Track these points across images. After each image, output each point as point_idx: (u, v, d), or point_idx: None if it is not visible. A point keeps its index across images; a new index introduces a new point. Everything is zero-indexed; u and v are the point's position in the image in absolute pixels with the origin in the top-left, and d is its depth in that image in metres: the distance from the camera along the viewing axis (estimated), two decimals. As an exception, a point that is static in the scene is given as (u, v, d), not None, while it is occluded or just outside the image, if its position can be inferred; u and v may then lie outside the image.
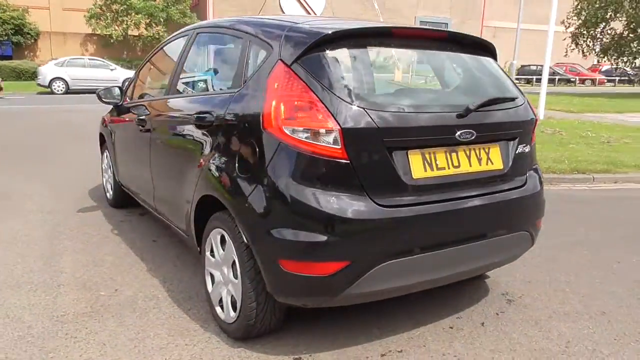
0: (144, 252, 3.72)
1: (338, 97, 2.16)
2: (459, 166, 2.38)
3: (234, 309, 2.49)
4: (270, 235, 2.19)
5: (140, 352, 2.45)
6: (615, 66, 29.06)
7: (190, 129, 2.83)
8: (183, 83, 3.28)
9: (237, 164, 2.35)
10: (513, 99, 2.64)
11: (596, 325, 2.82)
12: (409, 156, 2.25)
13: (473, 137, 2.37)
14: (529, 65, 39.53)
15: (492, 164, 2.50)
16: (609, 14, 24.07)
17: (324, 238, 2.12)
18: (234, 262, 2.44)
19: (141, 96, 3.93)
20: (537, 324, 2.83)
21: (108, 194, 4.86)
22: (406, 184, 2.23)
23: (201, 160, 2.66)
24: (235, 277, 2.43)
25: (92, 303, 2.95)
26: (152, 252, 3.72)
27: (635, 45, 25.40)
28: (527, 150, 2.68)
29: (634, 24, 23.63)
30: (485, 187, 2.48)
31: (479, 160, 2.45)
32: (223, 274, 2.58)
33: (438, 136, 2.31)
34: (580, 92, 26.98)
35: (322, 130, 2.12)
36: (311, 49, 2.26)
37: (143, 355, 2.42)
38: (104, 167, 4.94)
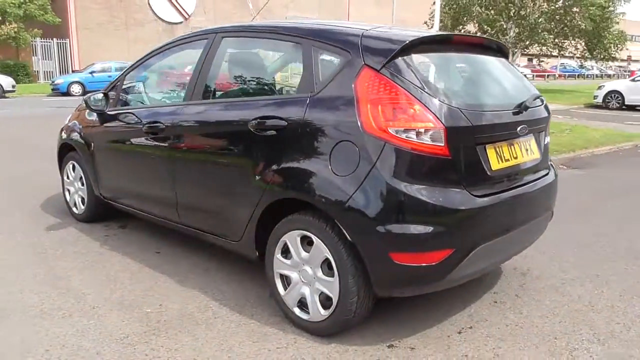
0: (157, 264, 3.55)
1: (435, 98, 2.35)
2: (517, 157, 2.71)
3: (325, 306, 2.57)
4: (380, 232, 2.31)
5: (241, 361, 2.43)
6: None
7: (245, 135, 2.80)
8: (214, 89, 3.20)
9: (331, 166, 2.43)
10: (541, 96, 3.04)
11: (598, 287, 3.34)
12: (487, 150, 2.52)
13: (527, 131, 2.71)
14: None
15: (533, 153, 2.87)
16: (464, 17, 26.47)
17: (432, 229, 2.31)
18: (325, 261, 2.51)
19: (137, 102, 3.72)
20: (557, 290, 3.28)
21: (75, 209, 4.49)
22: (489, 175, 2.50)
23: (267, 165, 2.67)
24: (330, 275, 2.51)
25: (146, 321, 2.80)
26: (168, 263, 3.57)
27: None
28: (548, 140, 3.10)
29: (485, 26, 26.33)
30: (533, 174, 2.84)
31: (526, 151, 2.80)
32: (304, 274, 2.63)
33: (506, 131, 2.61)
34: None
35: (428, 130, 2.30)
36: (397, 55, 2.42)
37: (247, 363, 2.41)
38: (68, 180, 4.54)
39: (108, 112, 3.85)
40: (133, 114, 3.66)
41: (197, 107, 3.18)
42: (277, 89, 3.11)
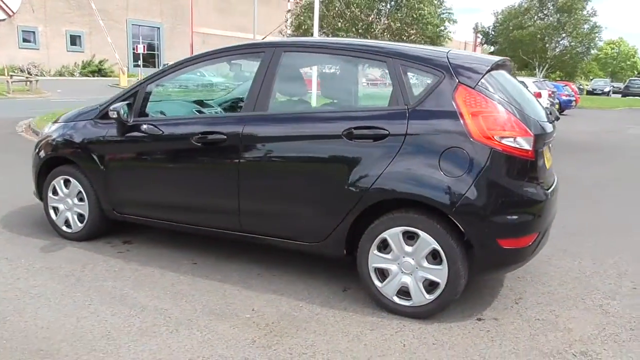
0: (205, 274, 3.56)
1: (521, 111, 2.91)
2: (549, 159, 3.39)
3: (429, 291, 2.96)
4: (490, 222, 2.80)
5: (387, 349, 2.71)
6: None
7: (337, 144, 3.06)
8: (283, 101, 3.37)
9: (441, 169, 2.84)
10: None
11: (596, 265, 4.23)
12: (544, 153, 3.15)
13: (552, 140, 3.40)
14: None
15: (549, 161, 3.59)
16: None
17: (530, 217, 2.87)
18: (432, 252, 2.91)
19: (171, 112, 3.65)
20: (550, 263, 4.07)
21: (66, 228, 4.15)
22: (546, 173, 3.13)
23: (367, 170, 2.98)
24: (436, 263, 2.91)
25: (255, 325, 2.90)
26: (215, 272, 3.60)
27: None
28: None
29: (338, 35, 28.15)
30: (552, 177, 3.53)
31: (549, 153, 3.51)
32: (405, 265, 2.98)
33: (550, 138, 3.26)
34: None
35: (523, 137, 2.84)
36: (485, 74, 2.94)
37: (388, 350, 2.70)
38: (55, 198, 4.17)
39: (134, 123, 3.71)
40: (175, 124, 3.61)
41: (269, 118, 3.32)
42: (356, 101, 3.39)
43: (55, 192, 4.19)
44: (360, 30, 26.12)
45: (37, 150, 4.30)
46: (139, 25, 43.78)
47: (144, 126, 3.69)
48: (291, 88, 3.57)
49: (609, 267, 4.02)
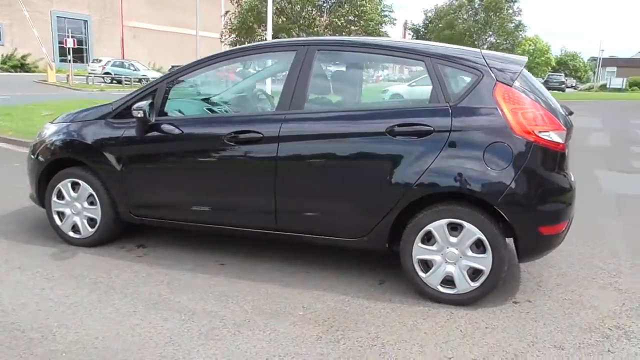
0: (238, 275, 3.54)
1: (551, 106, 3.12)
2: None
3: (473, 279, 3.11)
4: (533, 211, 3.00)
5: (447, 336, 2.84)
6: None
7: (379, 140, 3.15)
8: (321, 99, 3.39)
9: (485, 162, 2.99)
10: None
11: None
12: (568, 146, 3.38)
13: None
14: (178, 66, 41.26)
15: None
16: (260, 26, 27.80)
17: (563, 206, 3.09)
18: (477, 241, 3.06)
19: (196, 111, 3.56)
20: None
21: (73, 233, 3.97)
22: (569, 166, 3.37)
23: (413, 165, 3.09)
24: (481, 252, 3.07)
25: (314, 321, 2.94)
26: (248, 272, 3.58)
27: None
28: None
29: (281, 34, 28.16)
30: None
31: None
32: (450, 255, 3.12)
33: (571, 133, 3.49)
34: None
35: (557, 131, 3.05)
36: (519, 73, 3.12)
37: (448, 336, 2.83)
38: (61, 202, 3.96)
39: (155, 122, 3.60)
40: (203, 123, 3.55)
41: (308, 117, 3.35)
42: (394, 98, 3.47)
43: (60, 196, 3.99)
44: (302, 27, 26.27)
45: (35, 154, 4.07)
46: (65, 18, 41.52)
47: (167, 126, 3.60)
48: (327, 86, 3.60)
49: (603, 247, 4.36)
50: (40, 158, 4.02)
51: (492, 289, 3.15)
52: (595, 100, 29.84)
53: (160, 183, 3.71)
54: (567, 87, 49.12)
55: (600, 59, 61.13)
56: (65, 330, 2.77)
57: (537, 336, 2.84)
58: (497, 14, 42.83)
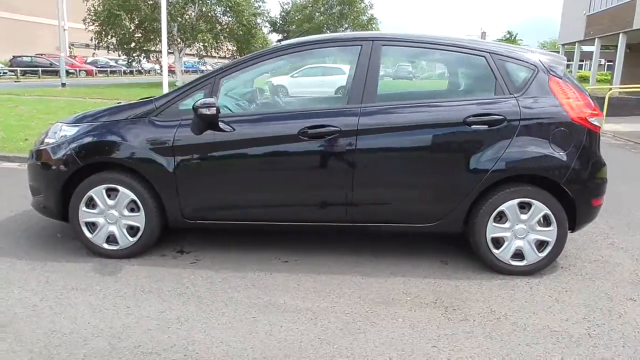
0: (316, 267, 3.54)
1: (589, 95, 3.62)
2: None
3: (540, 250, 3.51)
4: (589, 187, 3.48)
5: (541, 302, 3.19)
6: (126, 59, 31.37)
7: (456, 130, 3.38)
8: (394, 93, 3.49)
9: (551, 147, 3.39)
10: None
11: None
12: None
13: None
14: (21, 56, 36.60)
15: None
16: (123, 16, 26.04)
17: (603, 181, 3.60)
18: (544, 216, 3.46)
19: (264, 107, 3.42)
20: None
21: (108, 245, 3.59)
22: None
23: (488, 152, 3.37)
24: (547, 226, 3.47)
25: (436, 305, 3.10)
26: (326, 265, 3.59)
27: (142, 41, 28.63)
28: None
29: (146, 23, 26.60)
30: None
31: None
32: (519, 231, 3.47)
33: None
34: (95, 83, 28.08)
35: (598, 117, 3.56)
36: (564, 68, 3.58)
37: (543, 303, 3.19)
38: (93, 212, 3.54)
39: (225, 120, 3.43)
40: (270, 119, 3.45)
41: (385, 109, 3.45)
42: (461, 91, 3.67)
43: (91, 205, 3.56)
44: (173, 16, 25.11)
45: (52, 162, 3.57)
46: None
47: (231, 123, 3.43)
48: (394, 80, 3.71)
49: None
50: (63, 166, 3.54)
51: (556, 257, 3.58)
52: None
53: (225, 183, 3.52)
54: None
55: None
56: (203, 346, 2.57)
57: (610, 294, 3.31)
58: (351, 7, 44.95)
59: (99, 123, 3.58)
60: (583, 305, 3.15)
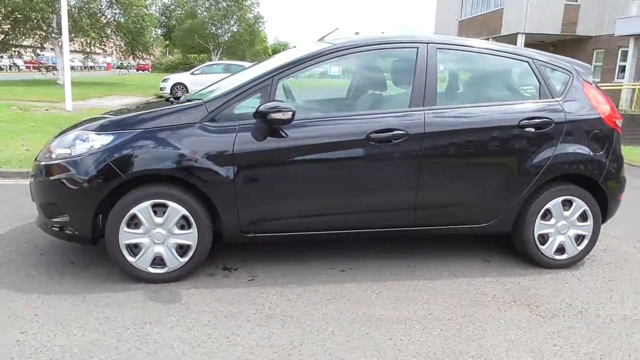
0: (376, 274, 3.46)
1: (610, 100, 3.96)
2: None
3: (578, 244, 3.77)
4: (619, 183, 3.80)
5: (598, 290, 3.42)
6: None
7: (512, 133, 3.50)
8: (453, 95, 3.51)
9: (589, 148, 3.65)
10: None
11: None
12: None
13: None
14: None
15: None
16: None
17: (625, 177, 3.96)
18: (582, 213, 3.72)
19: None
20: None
21: (152, 269, 3.19)
22: None
23: (539, 154, 3.54)
24: (584, 221, 3.73)
25: (506, 302, 3.17)
26: (384, 272, 3.52)
27: (11, 34, 25.72)
28: None
29: (16, 13, 23.88)
30: None
31: None
32: (562, 228, 3.70)
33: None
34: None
35: (619, 120, 3.90)
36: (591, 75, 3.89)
37: (599, 292, 3.43)
38: (136, 232, 3.11)
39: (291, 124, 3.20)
40: (337, 122, 3.30)
41: (448, 113, 3.47)
42: (510, 95, 3.77)
43: (134, 225, 3.13)
44: (51, 5, 22.84)
45: (81, 177, 3.08)
46: None
47: (292, 127, 3.22)
48: (450, 83, 3.70)
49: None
50: (100, 179, 3.06)
51: (591, 250, 3.85)
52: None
53: (290, 191, 3.29)
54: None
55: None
56: (338, 371, 2.39)
57: (635, 281, 3.66)
58: (237, 4, 44.25)
59: (140, 130, 3.15)
60: (633, 292, 3.43)
